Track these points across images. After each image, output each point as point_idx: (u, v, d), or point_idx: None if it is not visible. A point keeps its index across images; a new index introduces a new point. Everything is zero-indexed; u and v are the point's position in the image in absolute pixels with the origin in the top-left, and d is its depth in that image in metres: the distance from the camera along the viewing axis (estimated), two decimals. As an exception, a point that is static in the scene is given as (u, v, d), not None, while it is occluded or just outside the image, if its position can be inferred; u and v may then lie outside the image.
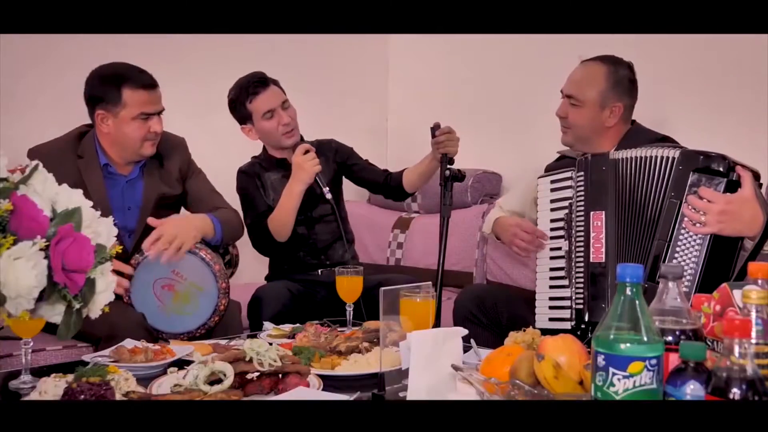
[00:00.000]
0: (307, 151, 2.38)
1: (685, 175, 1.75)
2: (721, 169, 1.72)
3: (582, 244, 1.90)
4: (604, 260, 1.85)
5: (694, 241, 1.73)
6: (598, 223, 1.87)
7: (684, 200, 1.74)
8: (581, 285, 1.89)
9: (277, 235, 2.45)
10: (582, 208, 1.92)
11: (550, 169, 2.10)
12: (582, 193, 1.93)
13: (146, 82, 2.15)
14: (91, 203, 1.26)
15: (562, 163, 2.07)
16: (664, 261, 1.74)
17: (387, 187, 2.63)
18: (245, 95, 2.48)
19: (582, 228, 1.91)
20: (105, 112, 2.14)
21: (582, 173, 1.94)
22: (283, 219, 2.43)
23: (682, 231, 1.74)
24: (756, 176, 1.76)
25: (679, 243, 1.74)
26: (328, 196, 2.39)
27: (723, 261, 1.73)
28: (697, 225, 1.71)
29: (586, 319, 1.85)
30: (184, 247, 2.02)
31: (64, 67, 2.75)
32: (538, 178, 2.09)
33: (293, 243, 2.53)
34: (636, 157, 1.87)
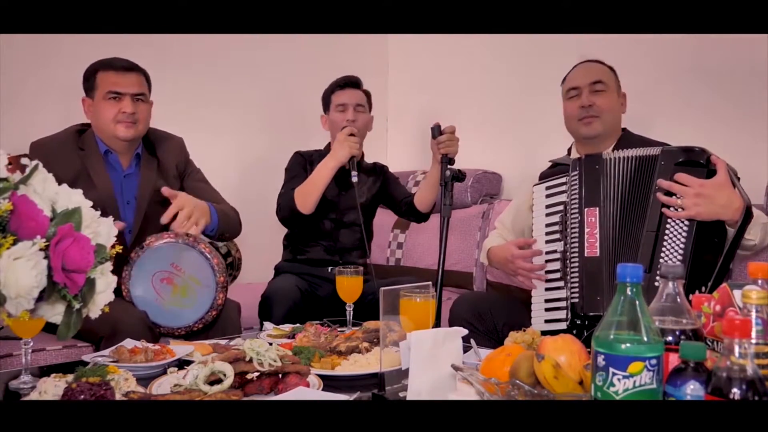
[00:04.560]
0: (352, 134, 2.50)
1: (668, 169, 1.84)
2: (700, 161, 1.83)
3: (576, 242, 1.93)
4: (598, 254, 1.89)
5: (681, 228, 1.80)
6: (593, 219, 1.92)
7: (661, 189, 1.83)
8: (576, 282, 1.91)
9: (300, 204, 2.50)
10: (576, 206, 1.96)
11: (543, 176, 2.14)
12: (576, 192, 1.97)
13: (118, 64, 2.21)
14: (90, 203, 1.26)
15: (555, 170, 2.11)
16: (653, 250, 1.80)
17: (404, 205, 2.71)
18: (334, 87, 2.68)
19: (576, 226, 1.94)
20: (88, 99, 2.24)
21: (576, 173, 1.99)
22: (309, 189, 2.51)
23: (669, 221, 1.81)
24: (732, 171, 1.85)
25: (667, 232, 1.81)
26: (354, 179, 2.46)
27: (710, 248, 1.80)
28: (678, 210, 1.79)
29: (582, 313, 1.88)
30: (201, 223, 2.08)
31: (66, 67, 2.75)
32: (534, 186, 2.14)
33: (315, 236, 2.65)
34: (626, 157, 1.94)
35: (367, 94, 2.71)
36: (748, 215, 1.76)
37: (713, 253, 1.80)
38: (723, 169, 1.80)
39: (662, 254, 1.80)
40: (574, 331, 1.86)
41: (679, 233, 1.80)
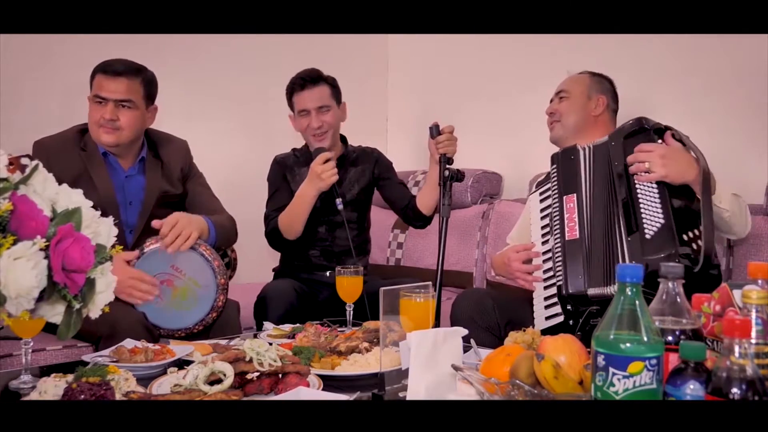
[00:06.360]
0: (327, 160, 2.38)
1: (619, 145, 1.95)
2: (645, 126, 1.94)
3: (558, 230, 1.99)
4: (578, 236, 1.95)
5: (651, 191, 1.85)
6: (571, 205, 2.00)
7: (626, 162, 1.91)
8: (560, 266, 1.95)
9: (285, 233, 2.49)
10: (557, 197, 2.03)
11: (539, 184, 2.19)
12: (556, 184, 2.05)
13: (110, 68, 2.18)
14: (91, 203, 1.25)
15: (547, 177, 2.16)
16: (634, 215, 1.85)
17: (407, 209, 2.62)
18: (293, 87, 2.56)
19: (558, 215, 2.01)
20: (89, 99, 2.23)
21: (555, 166, 2.08)
22: (292, 218, 2.47)
23: (638, 186, 1.87)
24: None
25: (639, 197, 1.86)
26: (340, 207, 2.40)
27: (687, 210, 1.85)
28: (645, 174, 1.86)
29: (565, 293, 1.91)
30: (191, 239, 2.04)
31: (68, 65, 2.76)
32: (530, 194, 2.22)
33: (310, 242, 2.59)
34: (593, 146, 2.04)
35: (332, 84, 2.58)
36: (706, 177, 1.82)
37: (694, 218, 1.83)
38: (668, 137, 1.90)
39: (642, 213, 1.84)
40: (570, 322, 1.89)
41: (651, 195, 1.85)
